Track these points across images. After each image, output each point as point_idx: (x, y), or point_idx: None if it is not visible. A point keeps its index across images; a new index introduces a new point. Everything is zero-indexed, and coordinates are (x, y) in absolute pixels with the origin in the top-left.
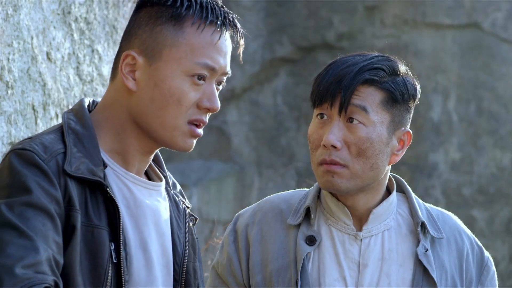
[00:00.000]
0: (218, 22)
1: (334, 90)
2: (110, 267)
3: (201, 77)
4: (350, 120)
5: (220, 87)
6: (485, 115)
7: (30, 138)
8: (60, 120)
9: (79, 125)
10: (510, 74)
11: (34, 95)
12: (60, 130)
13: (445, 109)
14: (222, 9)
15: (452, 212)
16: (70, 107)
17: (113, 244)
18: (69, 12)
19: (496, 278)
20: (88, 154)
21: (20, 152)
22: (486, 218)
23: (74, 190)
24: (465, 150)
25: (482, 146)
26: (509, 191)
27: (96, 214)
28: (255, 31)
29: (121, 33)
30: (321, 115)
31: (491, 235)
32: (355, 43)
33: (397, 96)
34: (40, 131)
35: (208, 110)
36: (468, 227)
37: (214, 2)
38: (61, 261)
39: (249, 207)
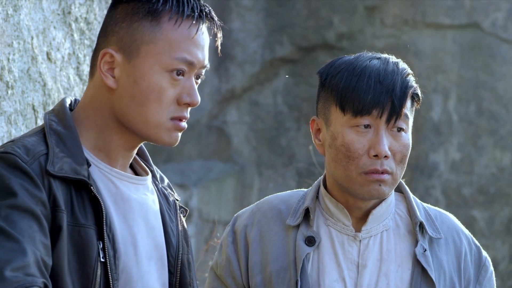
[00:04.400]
0: (195, 16)
1: (385, 99)
2: (99, 265)
3: (180, 72)
4: (394, 128)
5: (199, 81)
6: (485, 115)
7: (12, 141)
8: None
9: (61, 126)
10: (510, 74)
11: (34, 95)
12: (42, 132)
13: (445, 109)
14: (198, 2)
15: (452, 212)
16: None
17: (101, 242)
18: (69, 12)
19: (494, 278)
20: (71, 153)
21: (3, 156)
22: (486, 218)
23: (58, 190)
24: (465, 150)
25: (482, 146)
26: (509, 191)
27: (82, 213)
28: (255, 31)
29: None
30: (365, 124)
31: (491, 235)
32: (355, 43)
33: (419, 98)
34: None
35: (188, 105)
36: (468, 227)
37: None
38: (50, 262)
39: (247, 208)
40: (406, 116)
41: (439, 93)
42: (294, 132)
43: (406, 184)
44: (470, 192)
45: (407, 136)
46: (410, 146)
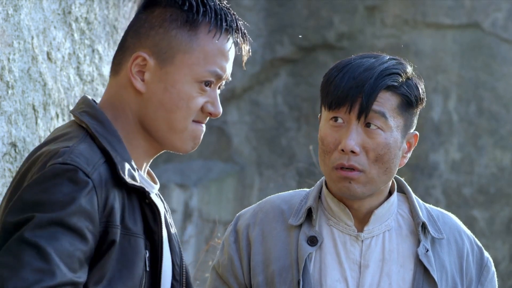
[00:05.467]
0: (231, 31)
1: (354, 94)
2: (144, 276)
3: (208, 83)
4: (368, 125)
5: (219, 91)
6: (485, 115)
7: (66, 147)
8: (60, 120)
9: (105, 130)
10: (510, 74)
11: (34, 95)
12: (86, 137)
13: (445, 109)
14: (234, 16)
15: (452, 212)
16: (71, 107)
17: (147, 252)
18: (69, 12)
19: (496, 279)
20: (124, 159)
21: (63, 167)
22: (486, 218)
23: (115, 199)
24: (466, 150)
25: (482, 146)
26: (509, 191)
27: (132, 221)
28: (255, 31)
29: (121, 33)
30: (335, 118)
31: (491, 235)
32: (355, 43)
33: (412, 100)
34: (40, 131)
35: (210, 114)
36: (468, 227)
37: (226, 9)
38: (82, 280)
39: (249, 207)
40: (383, 114)
41: (439, 93)
42: (294, 132)
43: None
44: (470, 192)
45: (386, 135)
46: (390, 145)
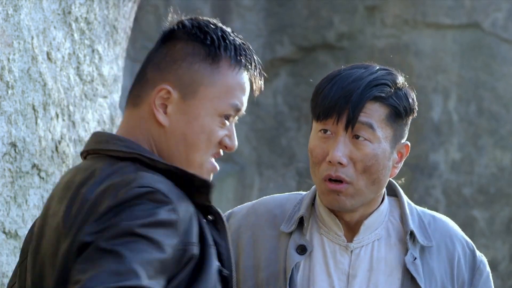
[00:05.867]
0: (250, 66)
1: (341, 106)
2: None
3: (227, 117)
4: (356, 136)
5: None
6: (485, 115)
7: (132, 176)
8: (60, 120)
9: (151, 154)
10: (510, 74)
11: (34, 95)
12: (140, 166)
13: (445, 109)
14: (251, 51)
15: (452, 212)
16: (71, 107)
17: (218, 263)
18: (69, 12)
19: (491, 279)
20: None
21: (140, 190)
22: (486, 218)
23: (193, 218)
24: (466, 150)
25: (482, 146)
26: (509, 191)
27: (205, 235)
28: (255, 31)
29: (121, 33)
30: (324, 130)
31: (491, 235)
32: (355, 43)
33: (400, 111)
34: (40, 131)
35: (226, 148)
36: (468, 227)
37: (243, 44)
38: None
39: (243, 206)
40: (370, 125)
41: (439, 93)
42: (294, 132)
43: (406, 184)
44: (470, 192)
45: (373, 146)
46: (378, 156)
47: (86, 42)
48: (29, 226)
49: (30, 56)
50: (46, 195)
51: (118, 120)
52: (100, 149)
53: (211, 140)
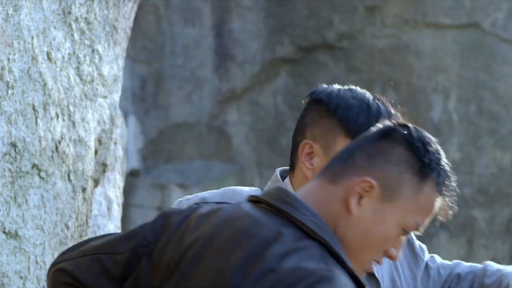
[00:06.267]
0: (448, 196)
1: None
2: None
3: (405, 232)
4: None
5: None
6: (485, 115)
7: (326, 271)
8: (60, 120)
9: (340, 248)
10: (510, 74)
11: (34, 95)
12: (331, 258)
13: (445, 109)
14: (453, 180)
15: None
16: (71, 107)
17: None
18: (69, 12)
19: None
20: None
21: (327, 275)
22: (486, 218)
23: None
24: (465, 150)
25: (482, 146)
26: (509, 191)
27: None
28: (255, 31)
29: (121, 33)
30: None
31: (491, 235)
32: (355, 43)
33: None
34: (40, 131)
35: (388, 256)
36: (468, 227)
37: (451, 172)
38: None
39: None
40: None
41: (439, 93)
42: None
43: None
44: (470, 192)
45: None
46: None
47: (86, 42)
48: (29, 226)
49: (30, 56)
50: (46, 195)
51: (118, 120)
52: (285, 211)
53: (383, 246)
